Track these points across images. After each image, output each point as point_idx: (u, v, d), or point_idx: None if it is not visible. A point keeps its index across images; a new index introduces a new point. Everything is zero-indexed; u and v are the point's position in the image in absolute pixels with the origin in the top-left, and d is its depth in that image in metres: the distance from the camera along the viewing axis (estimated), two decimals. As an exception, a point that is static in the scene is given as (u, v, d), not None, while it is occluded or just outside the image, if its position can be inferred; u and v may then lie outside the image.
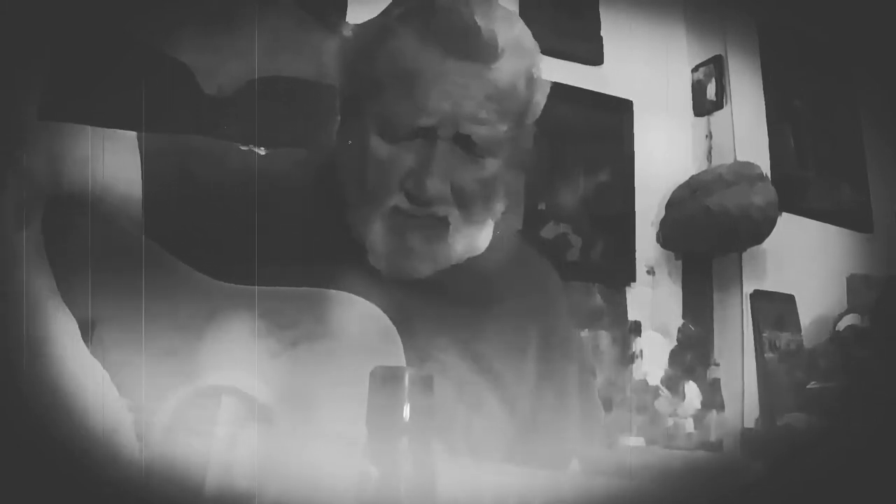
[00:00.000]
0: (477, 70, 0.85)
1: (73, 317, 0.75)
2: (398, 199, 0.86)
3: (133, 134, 0.89)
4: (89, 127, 0.87)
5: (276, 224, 0.90)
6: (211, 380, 0.78)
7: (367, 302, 0.80)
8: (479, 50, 0.85)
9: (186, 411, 0.76)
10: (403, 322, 0.81)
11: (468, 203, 0.88)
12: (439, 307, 0.92)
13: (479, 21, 0.85)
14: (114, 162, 0.86)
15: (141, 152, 0.87)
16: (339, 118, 0.96)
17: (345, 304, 0.80)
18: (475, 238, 0.93)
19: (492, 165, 0.89)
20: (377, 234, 0.88)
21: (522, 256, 1.05)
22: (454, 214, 0.88)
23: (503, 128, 0.87)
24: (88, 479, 0.71)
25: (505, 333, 0.95)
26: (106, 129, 0.88)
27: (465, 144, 0.86)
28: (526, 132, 0.93)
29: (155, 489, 0.72)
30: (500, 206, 0.94)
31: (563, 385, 0.99)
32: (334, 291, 0.80)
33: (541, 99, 0.93)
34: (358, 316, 0.79)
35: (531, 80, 0.90)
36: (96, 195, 0.84)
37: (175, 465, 0.73)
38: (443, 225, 0.88)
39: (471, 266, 0.93)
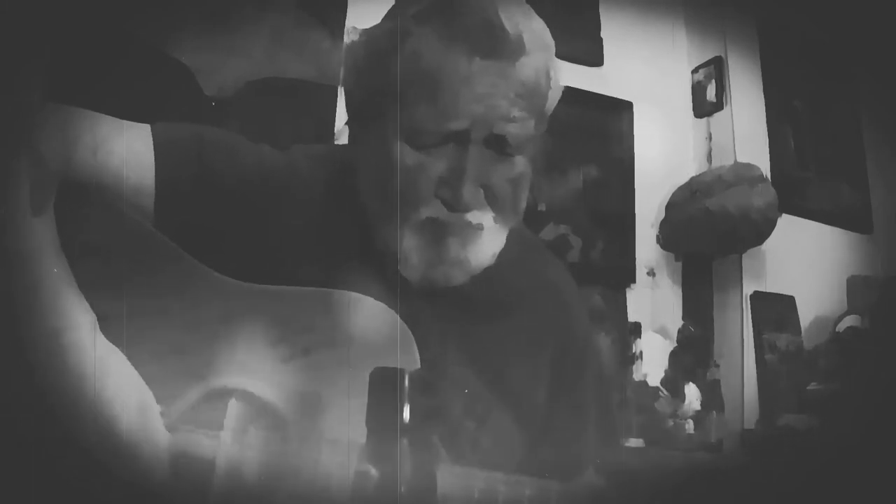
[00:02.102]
0: (504, 68, 0.82)
1: (90, 307, 0.73)
2: (432, 209, 0.83)
3: (147, 126, 0.88)
4: (102, 114, 0.86)
5: (289, 222, 0.88)
6: (221, 381, 0.77)
7: (382, 304, 0.78)
8: (505, 47, 0.82)
9: (196, 412, 0.76)
10: (417, 330, 0.79)
11: (500, 204, 0.85)
12: (454, 316, 0.90)
13: (503, 16, 0.82)
14: (126, 151, 0.84)
15: (154, 141, 0.85)
16: (346, 124, 0.93)
17: (359, 307, 0.78)
18: (502, 240, 0.89)
19: (520, 163, 0.86)
20: (411, 245, 0.84)
21: (536, 259, 1.03)
22: (488, 217, 0.85)
23: (532, 124, 0.85)
24: (105, 473, 0.72)
25: (520, 343, 0.93)
26: (120, 121, 0.87)
27: (498, 145, 0.83)
28: (544, 127, 0.91)
29: (164, 488, 0.73)
30: (524, 205, 0.90)
31: (579, 395, 0.97)
32: (349, 293, 0.79)
33: (557, 93, 0.92)
34: (373, 320, 0.78)
35: (549, 74, 0.89)
36: (106, 184, 0.82)
37: (184, 465, 0.73)
38: (478, 230, 0.84)
39: (485, 272, 0.89)
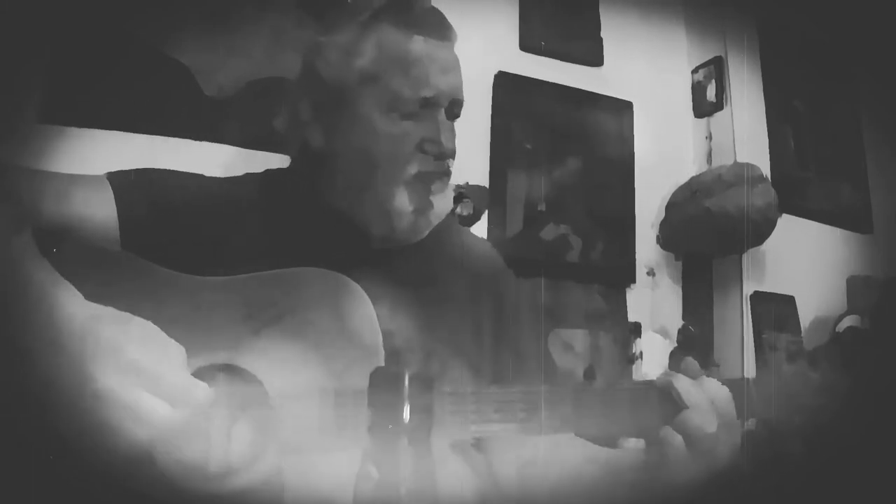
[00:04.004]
0: (451, 47, 1.05)
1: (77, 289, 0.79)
2: (419, 165, 1.02)
3: (102, 175, 1.01)
4: (59, 172, 0.99)
5: (237, 225, 1.03)
6: (205, 361, 0.84)
7: (337, 273, 0.88)
8: (449, 32, 1.05)
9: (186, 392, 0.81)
10: (372, 292, 0.88)
11: (453, 156, 1.06)
12: (404, 281, 1.03)
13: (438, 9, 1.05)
14: (88, 195, 0.97)
15: (112, 186, 0.98)
16: (311, 124, 1.07)
17: (316, 278, 0.89)
18: (451, 195, 1.09)
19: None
20: (402, 200, 1.02)
21: (470, 246, 1.21)
22: (451, 165, 1.06)
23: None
24: (98, 458, 0.75)
25: (462, 311, 1.09)
26: (77, 174, 1.00)
27: (452, 109, 1.05)
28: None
29: (157, 466, 0.78)
30: None
31: (518, 350, 1.12)
32: (306, 268, 0.89)
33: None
34: (330, 286, 0.88)
35: None
36: (73, 224, 0.94)
37: (179, 443, 0.78)
38: (448, 175, 1.06)
39: (427, 253, 1.09)
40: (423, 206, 1.03)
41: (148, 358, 0.76)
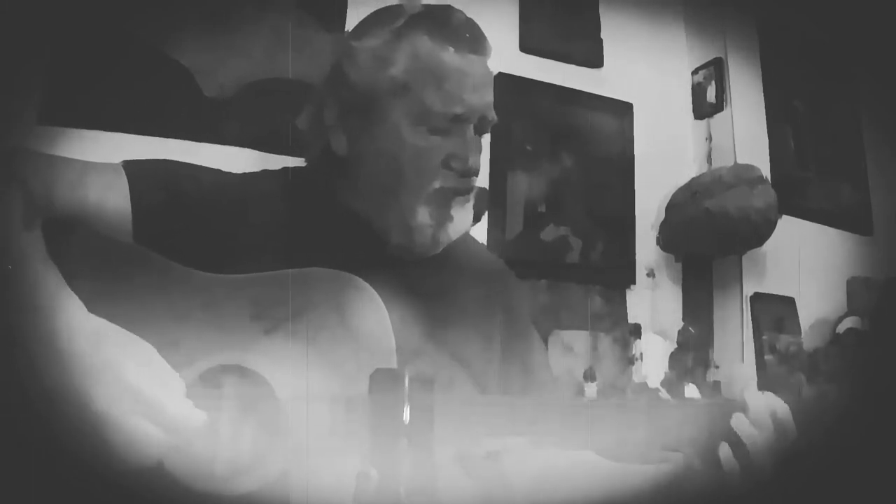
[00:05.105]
0: (483, 62, 1.02)
1: (82, 302, 0.79)
2: (443, 180, 1.00)
3: (118, 163, 0.98)
4: (75, 158, 0.96)
5: (251, 222, 1.01)
6: (214, 361, 0.84)
7: (351, 275, 0.87)
8: (483, 46, 1.02)
9: (194, 391, 0.81)
10: (384, 296, 0.87)
11: (477, 174, 1.04)
12: (413, 300, 1.00)
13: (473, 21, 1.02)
14: (102, 185, 0.94)
15: (127, 174, 0.96)
16: (336, 127, 1.05)
17: (329, 280, 0.87)
18: (471, 214, 1.07)
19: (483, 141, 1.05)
20: (424, 215, 1.01)
21: (479, 256, 1.19)
22: (475, 182, 1.04)
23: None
24: (104, 459, 0.75)
25: (470, 322, 1.07)
26: (92, 162, 0.97)
27: (482, 126, 1.03)
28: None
29: (166, 468, 0.79)
30: None
31: (525, 364, 1.11)
32: (316, 269, 0.88)
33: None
34: (343, 288, 0.87)
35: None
36: (86, 214, 0.92)
37: (187, 443, 0.78)
38: (471, 191, 1.03)
39: (438, 263, 1.06)
40: (444, 221, 1.02)
41: (146, 383, 0.77)
